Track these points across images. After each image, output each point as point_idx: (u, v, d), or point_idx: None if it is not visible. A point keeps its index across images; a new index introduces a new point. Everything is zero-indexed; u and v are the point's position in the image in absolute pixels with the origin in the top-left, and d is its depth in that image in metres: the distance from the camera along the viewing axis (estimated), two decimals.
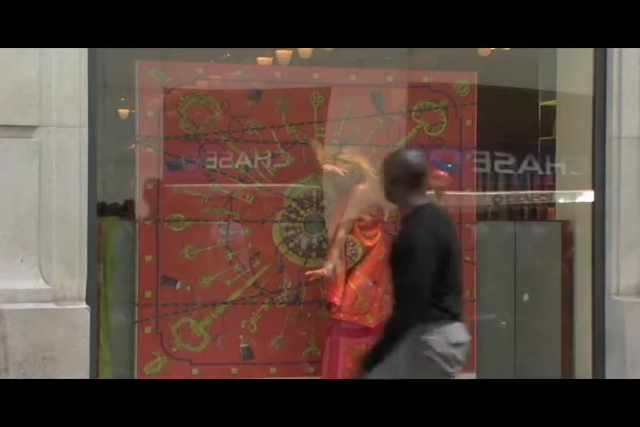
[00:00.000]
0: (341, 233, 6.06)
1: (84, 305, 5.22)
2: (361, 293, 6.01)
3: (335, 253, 6.05)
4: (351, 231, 6.09)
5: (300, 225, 6.23)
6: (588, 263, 6.27)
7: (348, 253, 6.07)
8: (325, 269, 6.02)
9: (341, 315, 6.00)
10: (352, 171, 6.12)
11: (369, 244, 6.10)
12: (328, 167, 6.14)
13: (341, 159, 6.15)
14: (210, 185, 6.09)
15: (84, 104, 5.27)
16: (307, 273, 6.08)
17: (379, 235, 6.13)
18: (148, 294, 5.96)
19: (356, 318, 5.99)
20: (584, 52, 6.17)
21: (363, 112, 6.33)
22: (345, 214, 6.07)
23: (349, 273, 6.08)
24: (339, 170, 6.12)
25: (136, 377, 5.90)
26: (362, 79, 6.36)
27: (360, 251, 6.08)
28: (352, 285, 6.02)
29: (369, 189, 6.11)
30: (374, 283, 6.05)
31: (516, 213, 7.34)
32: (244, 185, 6.14)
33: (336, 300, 6.01)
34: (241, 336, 6.12)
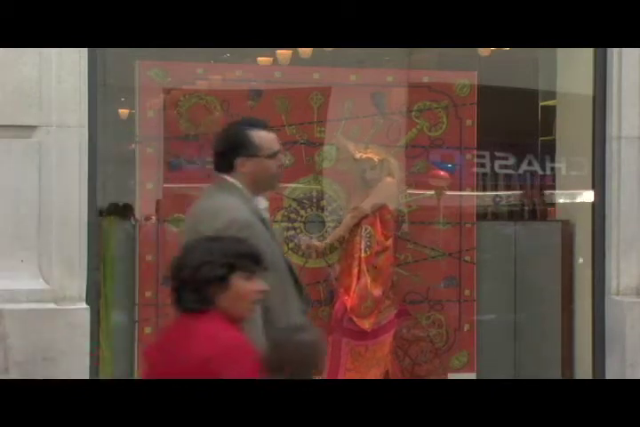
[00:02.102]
0: (356, 212, 6.07)
1: (83, 305, 5.21)
2: (371, 296, 6.02)
3: (339, 233, 6.09)
4: (372, 223, 6.09)
5: (299, 225, 6.24)
6: (588, 263, 6.27)
7: (363, 244, 6.06)
8: (323, 244, 6.10)
9: (347, 311, 6.01)
10: (382, 162, 6.14)
11: (382, 239, 6.10)
12: (363, 155, 6.14)
13: (372, 152, 6.17)
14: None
15: (84, 104, 5.26)
16: (304, 238, 6.14)
17: (392, 239, 6.13)
18: (148, 294, 5.95)
19: (356, 319, 5.99)
20: (584, 52, 6.17)
21: (363, 112, 6.33)
22: (366, 201, 6.08)
23: (369, 274, 6.08)
24: (373, 156, 6.12)
25: (136, 377, 5.90)
26: (362, 79, 6.36)
27: (374, 244, 6.08)
28: (369, 286, 6.02)
29: (395, 184, 6.14)
30: (382, 292, 6.07)
31: (516, 213, 7.34)
32: None
33: (347, 299, 6.02)
34: None
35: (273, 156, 3.85)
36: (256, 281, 3.23)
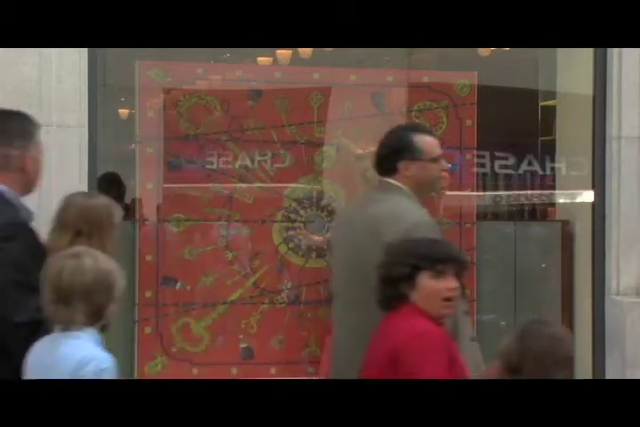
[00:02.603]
0: None
1: None
2: None
3: None
4: None
5: (299, 225, 6.24)
6: (588, 263, 6.27)
7: None
8: (323, 237, 6.11)
9: None
10: None
11: None
12: (365, 150, 6.14)
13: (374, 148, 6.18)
14: (210, 185, 6.09)
15: (84, 104, 5.27)
16: (303, 231, 6.14)
17: None
18: (148, 294, 5.96)
19: None
20: (584, 52, 6.17)
21: (363, 112, 6.33)
22: None
23: None
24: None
25: (136, 377, 5.90)
26: (362, 79, 6.36)
27: None
28: None
29: None
30: None
31: (516, 213, 7.34)
32: (244, 185, 6.14)
33: None
34: (241, 336, 6.12)
35: (435, 160, 3.96)
36: (446, 279, 3.43)
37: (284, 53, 6.48)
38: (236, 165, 6.13)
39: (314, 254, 6.24)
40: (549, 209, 7.26)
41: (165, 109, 6.08)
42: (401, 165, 3.87)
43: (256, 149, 6.15)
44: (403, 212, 3.80)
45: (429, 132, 3.99)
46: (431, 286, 3.43)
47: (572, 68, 6.60)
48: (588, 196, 6.34)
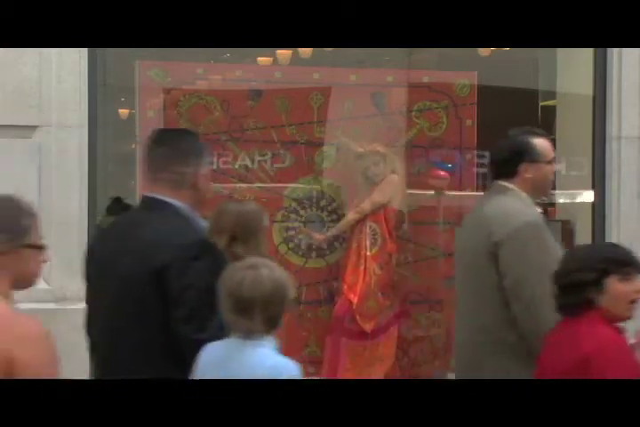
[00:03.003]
0: (359, 208, 6.08)
1: (83, 305, 5.20)
2: (374, 296, 6.04)
3: (341, 227, 6.12)
4: (376, 221, 6.10)
5: (300, 225, 6.24)
6: None
7: (368, 241, 6.07)
8: (324, 236, 6.12)
9: (352, 309, 6.02)
10: (385, 156, 6.15)
11: (387, 237, 6.10)
12: (367, 147, 6.15)
13: (375, 145, 6.18)
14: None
15: (84, 104, 5.26)
16: (305, 228, 6.15)
17: (395, 247, 6.15)
18: None
19: (359, 318, 6.00)
20: (584, 52, 6.17)
21: (363, 112, 6.33)
22: (370, 197, 6.09)
23: (375, 274, 6.09)
24: (380, 148, 6.13)
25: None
26: (362, 79, 6.36)
27: (379, 242, 6.08)
28: (374, 286, 6.04)
29: (399, 182, 6.15)
30: (382, 294, 6.09)
31: None
32: (244, 185, 6.14)
33: (352, 296, 6.03)
34: None
35: (551, 162, 4.08)
36: (633, 282, 3.47)
37: (283, 53, 6.48)
38: (236, 165, 6.13)
39: (314, 254, 6.24)
40: (549, 209, 7.26)
41: (165, 109, 6.08)
42: (521, 167, 3.99)
43: (256, 149, 6.15)
44: (513, 211, 3.92)
45: (545, 136, 4.12)
46: (619, 289, 3.47)
47: (572, 68, 6.60)
48: (588, 196, 6.34)
